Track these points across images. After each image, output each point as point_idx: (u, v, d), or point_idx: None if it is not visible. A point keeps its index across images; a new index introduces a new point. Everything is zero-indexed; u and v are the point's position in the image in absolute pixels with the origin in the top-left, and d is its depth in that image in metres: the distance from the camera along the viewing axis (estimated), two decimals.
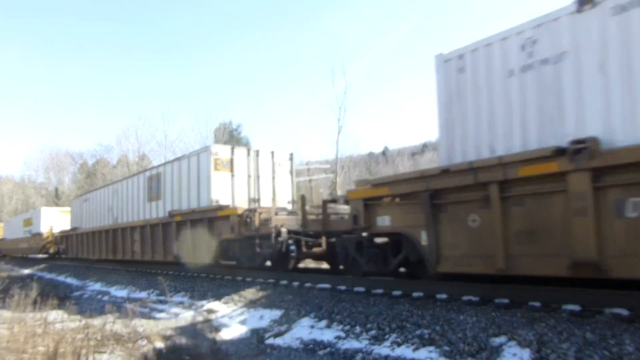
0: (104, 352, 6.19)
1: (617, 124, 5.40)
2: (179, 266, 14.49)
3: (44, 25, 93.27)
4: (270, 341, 6.67)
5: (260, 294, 9.46)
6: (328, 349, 5.87)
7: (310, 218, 10.22)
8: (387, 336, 5.79)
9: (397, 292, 7.57)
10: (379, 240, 8.31)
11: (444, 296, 6.85)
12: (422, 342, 5.34)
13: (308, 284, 9.50)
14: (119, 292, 13.89)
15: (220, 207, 11.90)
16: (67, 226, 26.46)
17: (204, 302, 10.08)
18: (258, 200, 13.13)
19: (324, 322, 6.84)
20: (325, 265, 12.16)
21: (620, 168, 5.07)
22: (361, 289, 8.20)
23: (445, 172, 6.74)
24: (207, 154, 12.64)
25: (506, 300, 6.09)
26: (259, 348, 6.46)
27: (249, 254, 11.30)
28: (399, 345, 5.46)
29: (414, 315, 6.23)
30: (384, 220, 7.83)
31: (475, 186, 6.31)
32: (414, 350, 5.23)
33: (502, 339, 4.96)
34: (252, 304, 8.84)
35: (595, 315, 5.18)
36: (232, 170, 12.69)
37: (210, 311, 9.18)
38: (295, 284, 9.80)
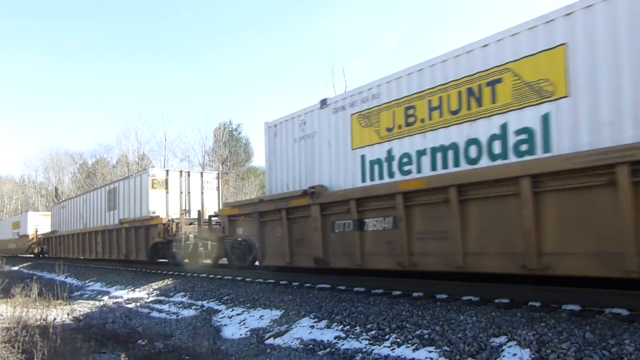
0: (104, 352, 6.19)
1: (332, 178, 9.03)
2: (178, 266, 14.71)
3: (44, 25, 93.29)
4: (270, 341, 6.67)
5: (261, 294, 9.47)
6: (328, 349, 5.87)
7: (204, 227, 13.73)
8: (387, 336, 5.79)
9: (397, 292, 7.59)
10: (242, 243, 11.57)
11: (444, 296, 6.86)
12: (422, 342, 5.34)
13: (308, 284, 9.51)
14: (119, 292, 13.90)
15: (152, 217, 15.41)
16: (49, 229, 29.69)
17: (203, 302, 10.08)
18: (188, 212, 16.51)
19: (323, 322, 6.84)
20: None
21: (331, 203, 8.62)
22: (361, 289, 8.22)
23: (261, 201, 10.59)
24: (146, 175, 16.37)
25: (506, 300, 6.11)
26: (258, 348, 6.45)
27: (171, 254, 14.72)
28: (399, 345, 5.46)
29: (414, 315, 6.23)
30: (239, 231, 11.49)
31: (277, 211, 9.85)
32: (414, 350, 5.23)
33: (502, 339, 4.96)
34: (252, 304, 8.84)
35: (595, 315, 5.19)
36: (166, 188, 16.34)
37: (210, 311, 9.18)
38: (295, 284, 9.81)
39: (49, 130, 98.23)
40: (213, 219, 13.63)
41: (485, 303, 6.30)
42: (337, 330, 6.44)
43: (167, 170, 16.85)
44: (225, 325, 8.08)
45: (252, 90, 75.86)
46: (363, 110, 8.46)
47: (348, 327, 6.43)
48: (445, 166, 7.04)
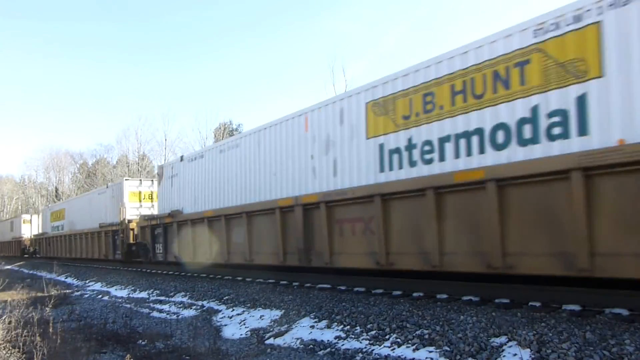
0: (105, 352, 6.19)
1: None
2: (177, 266, 14.68)
3: (44, 25, 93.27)
4: (270, 341, 6.67)
5: (261, 294, 9.47)
6: (328, 349, 5.87)
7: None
8: (387, 336, 5.79)
9: (397, 292, 7.59)
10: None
11: (444, 296, 6.86)
12: (423, 342, 5.34)
13: (308, 284, 9.51)
14: (119, 292, 13.90)
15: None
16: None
17: (204, 302, 10.09)
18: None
19: (324, 322, 6.84)
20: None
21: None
22: (361, 289, 8.22)
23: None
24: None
25: (506, 300, 6.11)
26: (259, 348, 6.45)
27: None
28: (399, 345, 5.46)
29: (414, 315, 6.23)
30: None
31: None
32: (414, 350, 5.23)
33: (502, 339, 4.96)
34: (252, 304, 8.84)
35: (595, 315, 5.19)
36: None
37: (210, 311, 9.18)
38: (295, 284, 9.81)
39: (49, 130, 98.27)
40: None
41: (485, 303, 6.30)
42: (337, 330, 6.44)
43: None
44: (226, 325, 8.08)
45: (252, 90, 75.89)
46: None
47: (348, 327, 6.43)
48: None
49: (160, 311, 10.10)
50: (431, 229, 6.75)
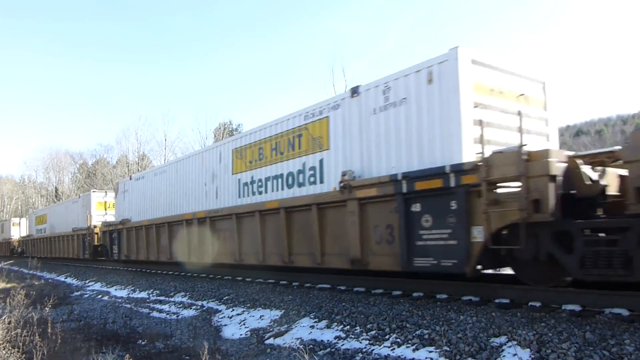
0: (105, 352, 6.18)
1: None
2: (177, 266, 14.68)
3: (44, 25, 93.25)
4: (270, 341, 6.66)
5: (260, 294, 9.47)
6: (328, 349, 5.87)
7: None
8: (387, 336, 5.79)
9: (397, 292, 7.58)
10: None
11: (444, 296, 6.86)
12: (422, 342, 5.34)
13: (308, 284, 9.50)
14: (119, 292, 13.89)
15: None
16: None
17: (203, 302, 10.08)
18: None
19: (324, 322, 6.84)
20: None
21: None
22: (361, 289, 8.21)
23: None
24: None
25: (506, 300, 6.10)
26: (258, 348, 6.45)
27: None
28: (399, 345, 5.46)
29: (414, 315, 6.23)
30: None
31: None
32: (414, 350, 5.23)
33: (502, 339, 4.95)
34: (252, 304, 8.84)
35: (595, 315, 5.19)
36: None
37: (210, 311, 9.18)
38: (295, 284, 9.80)
39: (49, 130, 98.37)
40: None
41: (485, 303, 6.29)
42: (337, 330, 6.44)
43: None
44: (226, 325, 8.08)
45: (252, 90, 75.95)
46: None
47: (348, 327, 6.42)
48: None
49: (160, 311, 10.10)
50: (259, 237, 10.15)
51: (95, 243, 21.16)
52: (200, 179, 12.99)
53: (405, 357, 5.13)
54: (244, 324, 7.82)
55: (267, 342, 6.67)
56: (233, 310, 8.83)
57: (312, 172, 9.05)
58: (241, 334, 7.36)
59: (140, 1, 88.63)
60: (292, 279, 10.16)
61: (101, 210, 22.92)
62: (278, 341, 6.58)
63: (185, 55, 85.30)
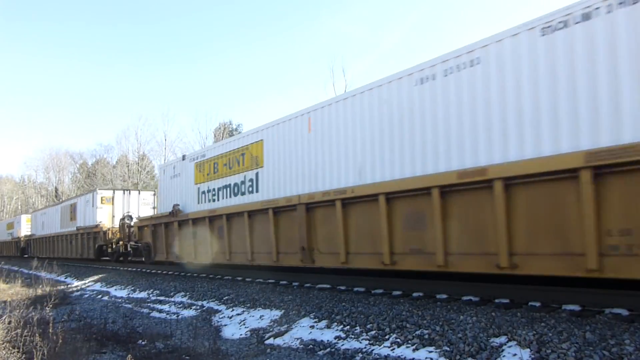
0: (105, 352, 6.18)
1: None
2: (177, 266, 14.69)
3: (45, 26, 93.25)
4: (270, 341, 6.66)
5: (260, 294, 9.47)
6: (328, 349, 5.87)
7: (124, 234, 18.74)
8: (387, 336, 5.79)
9: (397, 292, 7.58)
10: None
11: (444, 296, 6.86)
12: (422, 343, 5.34)
13: (308, 284, 9.50)
14: (119, 292, 13.90)
15: (97, 226, 20.88)
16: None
17: (203, 302, 10.08)
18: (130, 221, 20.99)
19: (323, 322, 6.84)
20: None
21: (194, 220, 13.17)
22: (361, 289, 8.22)
23: (151, 217, 16.26)
24: (96, 193, 22.20)
25: (506, 300, 6.11)
26: (258, 348, 6.45)
27: (110, 252, 19.67)
28: (399, 345, 5.46)
29: (414, 315, 6.23)
30: (146, 237, 16.25)
31: (160, 224, 14.95)
32: (414, 350, 5.23)
33: (502, 339, 4.96)
34: (252, 304, 8.84)
35: (595, 315, 5.19)
36: (112, 204, 22.00)
37: (210, 311, 9.18)
38: (295, 284, 9.80)
39: (49, 130, 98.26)
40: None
41: (485, 303, 6.30)
42: (337, 330, 6.44)
43: (114, 190, 23.19)
44: (226, 325, 8.08)
45: (252, 91, 75.90)
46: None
47: (348, 327, 6.43)
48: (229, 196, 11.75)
49: (160, 311, 10.10)
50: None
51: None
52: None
53: (405, 357, 5.14)
54: (244, 324, 7.82)
55: (267, 342, 6.68)
56: (233, 310, 8.84)
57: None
58: (241, 334, 7.36)
59: (141, 3, 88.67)
60: (292, 279, 10.16)
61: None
62: (278, 341, 6.58)
63: (185, 55, 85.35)
